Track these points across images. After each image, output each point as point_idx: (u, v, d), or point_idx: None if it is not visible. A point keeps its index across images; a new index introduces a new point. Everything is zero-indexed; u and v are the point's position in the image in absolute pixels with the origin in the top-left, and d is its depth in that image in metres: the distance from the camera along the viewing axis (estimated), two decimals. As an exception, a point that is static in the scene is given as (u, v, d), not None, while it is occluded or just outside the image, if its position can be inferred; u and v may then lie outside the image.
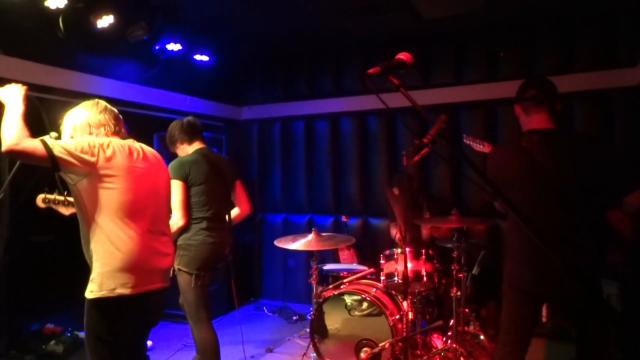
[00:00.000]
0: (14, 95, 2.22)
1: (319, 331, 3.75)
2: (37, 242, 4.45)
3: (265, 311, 5.70)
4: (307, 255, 4.28)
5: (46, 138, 2.18)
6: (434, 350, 3.91)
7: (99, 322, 2.24)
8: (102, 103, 2.44)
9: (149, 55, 4.67)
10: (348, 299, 3.76)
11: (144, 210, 2.33)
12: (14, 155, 2.06)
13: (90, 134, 2.35)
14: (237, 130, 6.28)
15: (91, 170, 2.17)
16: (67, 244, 3.24)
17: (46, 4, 3.67)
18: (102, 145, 2.22)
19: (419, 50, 5.28)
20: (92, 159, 2.17)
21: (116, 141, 2.32)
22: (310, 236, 3.87)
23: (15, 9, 3.54)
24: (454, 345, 3.75)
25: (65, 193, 2.94)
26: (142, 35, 4.23)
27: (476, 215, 4.75)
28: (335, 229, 5.69)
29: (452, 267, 3.81)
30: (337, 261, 5.10)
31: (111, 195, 2.21)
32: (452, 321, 3.85)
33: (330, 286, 4.02)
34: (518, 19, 4.81)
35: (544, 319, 4.13)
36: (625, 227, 2.37)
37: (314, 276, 3.97)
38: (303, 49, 5.82)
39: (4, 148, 2.03)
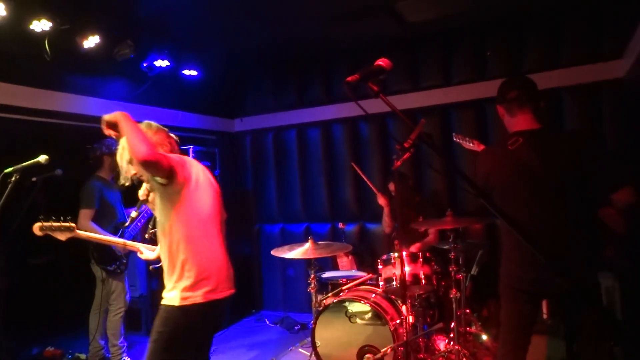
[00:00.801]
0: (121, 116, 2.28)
1: (321, 340, 3.74)
2: (35, 265, 4.44)
3: (267, 322, 5.67)
4: (307, 264, 4.27)
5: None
6: (437, 352, 3.89)
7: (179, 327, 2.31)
8: (154, 124, 2.57)
9: (137, 72, 4.68)
10: (348, 306, 3.75)
11: (218, 220, 2.53)
12: (148, 164, 2.15)
13: None
14: (231, 143, 6.29)
15: (185, 183, 2.33)
16: (65, 265, 3.25)
17: (31, 27, 3.68)
18: (185, 160, 2.41)
19: (406, 54, 5.30)
20: (186, 173, 2.35)
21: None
22: (307, 245, 3.87)
23: (1, 34, 3.55)
24: (457, 347, 3.73)
25: (61, 219, 2.96)
26: (129, 53, 4.24)
27: (472, 215, 4.74)
28: (333, 236, 5.68)
29: (451, 269, 3.80)
30: (336, 268, 5.09)
31: (197, 206, 2.38)
32: (453, 323, 3.84)
33: (329, 294, 4.01)
34: (503, 17, 4.83)
35: (544, 316, 4.11)
36: (617, 223, 2.38)
37: (313, 285, 3.97)
38: (291, 58, 5.84)
39: (141, 157, 2.11)
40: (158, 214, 2.41)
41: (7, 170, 2.82)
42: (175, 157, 2.36)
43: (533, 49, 4.84)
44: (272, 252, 3.94)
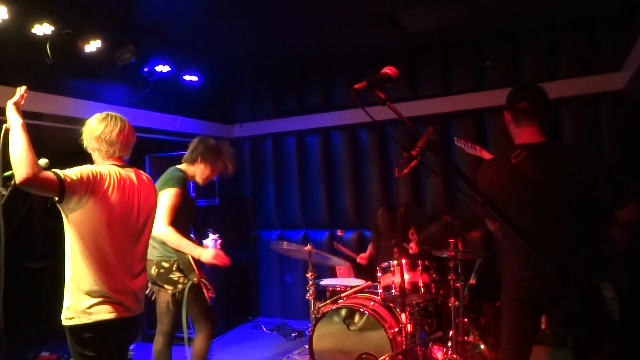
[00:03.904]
0: (10, 113, 2.20)
1: (318, 347, 3.72)
2: (31, 269, 4.41)
3: (264, 329, 5.65)
4: (304, 271, 4.27)
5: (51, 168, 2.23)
6: (435, 361, 3.88)
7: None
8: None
9: (138, 77, 4.68)
10: (346, 314, 3.74)
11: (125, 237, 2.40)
12: (29, 186, 2.06)
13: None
14: (229, 149, 6.28)
15: (88, 200, 2.22)
16: (61, 270, 3.23)
17: (33, 30, 3.68)
18: (100, 174, 2.29)
19: (406, 62, 5.33)
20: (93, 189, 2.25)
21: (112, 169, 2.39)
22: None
23: (2, 37, 3.55)
24: (455, 356, 3.73)
25: None
26: (130, 58, 4.24)
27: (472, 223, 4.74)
28: (331, 243, 5.68)
29: (449, 277, 3.80)
30: (334, 275, 5.08)
31: (99, 223, 2.27)
32: (451, 332, 3.84)
33: (328, 301, 4.01)
34: (502, 28, 4.87)
35: (542, 326, 4.13)
36: (620, 238, 2.37)
37: (311, 291, 3.96)
38: (291, 65, 5.85)
39: (19, 180, 2.03)
40: None
41: (6, 174, 2.80)
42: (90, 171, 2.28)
43: (531, 59, 4.88)
44: (271, 246, 3.95)
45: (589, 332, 2.38)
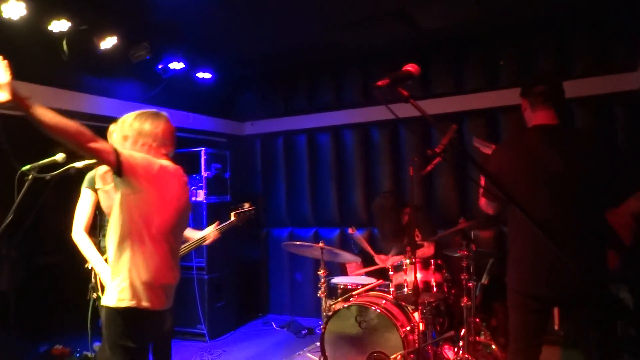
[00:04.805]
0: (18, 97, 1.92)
1: (330, 345, 3.73)
2: (45, 264, 4.45)
3: (274, 326, 5.66)
4: (315, 268, 4.27)
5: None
6: (446, 361, 3.88)
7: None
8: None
9: (151, 74, 4.71)
10: (358, 312, 3.74)
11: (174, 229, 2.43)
12: (86, 152, 2.05)
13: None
14: (241, 146, 6.30)
15: (145, 186, 2.24)
16: (74, 264, 3.26)
17: (50, 27, 3.71)
18: (159, 165, 2.32)
19: (418, 60, 5.19)
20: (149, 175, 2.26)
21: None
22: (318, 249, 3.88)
23: (20, 33, 3.58)
24: (466, 356, 3.72)
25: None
26: (145, 55, 4.28)
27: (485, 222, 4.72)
28: (342, 241, 5.68)
29: (462, 277, 3.79)
30: (345, 274, 5.07)
31: (150, 212, 2.29)
32: (463, 331, 3.83)
33: (339, 299, 4.01)
34: (515, 27, 4.84)
35: (555, 327, 4.10)
36: (626, 230, 2.33)
37: (323, 289, 3.96)
38: (302, 63, 5.85)
39: (78, 148, 2.01)
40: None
41: (24, 168, 2.83)
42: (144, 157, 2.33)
43: (545, 59, 4.83)
44: (283, 245, 3.98)
45: (598, 329, 2.34)
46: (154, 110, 2.51)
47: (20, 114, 1.95)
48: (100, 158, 2.08)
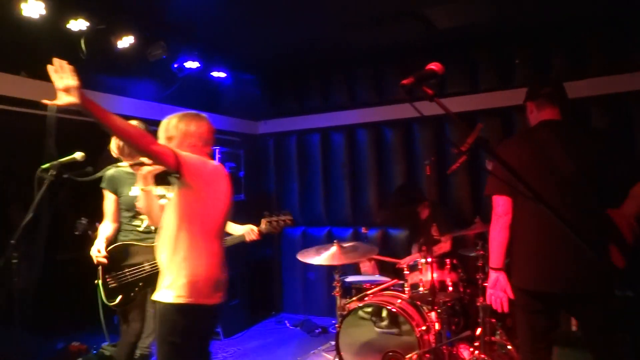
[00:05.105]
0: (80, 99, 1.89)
1: (345, 344, 3.73)
2: (61, 260, 4.49)
3: (287, 325, 5.67)
4: (328, 267, 4.26)
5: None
6: (462, 361, 3.86)
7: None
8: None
9: (167, 73, 4.74)
10: (373, 311, 3.74)
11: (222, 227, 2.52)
12: (148, 156, 2.17)
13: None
14: (255, 145, 6.32)
15: (202, 185, 2.33)
16: (91, 261, 3.30)
17: (68, 26, 3.75)
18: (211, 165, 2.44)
19: (431, 60, 5.25)
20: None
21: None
22: (334, 249, 3.87)
23: (39, 32, 3.62)
24: (482, 356, 3.70)
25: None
26: (161, 54, 4.30)
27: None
28: (355, 241, 5.65)
29: (477, 276, 3.77)
30: (358, 273, 5.07)
31: (206, 209, 2.36)
32: (478, 331, 3.81)
33: (354, 298, 4.01)
34: (531, 26, 4.81)
35: (573, 328, 4.06)
36: (629, 228, 2.29)
37: (338, 288, 3.96)
38: (316, 62, 5.85)
39: (141, 151, 2.12)
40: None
41: (44, 166, 2.87)
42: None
43: (561, 58, 4.80)
44: (298, 257, 3.94)
45: (604, 327, 2.32)
46: (195, 112, 2.57)
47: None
48: (161, 159, 2.15)
